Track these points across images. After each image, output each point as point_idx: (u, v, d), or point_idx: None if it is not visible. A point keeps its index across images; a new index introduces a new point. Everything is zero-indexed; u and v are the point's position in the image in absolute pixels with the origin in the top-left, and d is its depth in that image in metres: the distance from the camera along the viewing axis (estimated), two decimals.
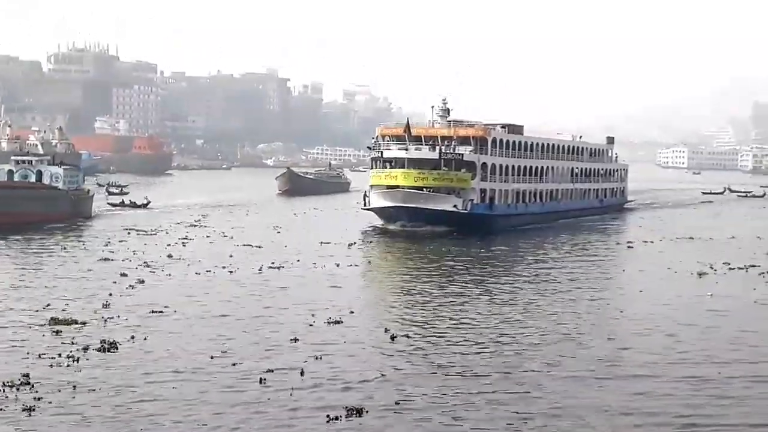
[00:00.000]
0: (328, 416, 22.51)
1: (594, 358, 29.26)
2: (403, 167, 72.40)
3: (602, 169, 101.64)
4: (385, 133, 78.72)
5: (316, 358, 27.91)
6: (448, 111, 78.51)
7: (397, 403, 23.82)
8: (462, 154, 72.65)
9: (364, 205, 74.24)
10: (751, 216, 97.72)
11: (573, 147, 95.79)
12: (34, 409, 22.47)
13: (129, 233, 62.78)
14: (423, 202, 69.23)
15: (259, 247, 56.51)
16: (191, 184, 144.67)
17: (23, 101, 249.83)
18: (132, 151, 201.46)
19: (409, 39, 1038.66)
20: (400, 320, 34.60)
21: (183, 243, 57.84)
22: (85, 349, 28.31)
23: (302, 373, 26.17)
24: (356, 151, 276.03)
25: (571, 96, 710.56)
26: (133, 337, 30.11)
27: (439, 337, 31.87)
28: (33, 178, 72.80)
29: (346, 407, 23.01)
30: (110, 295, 37.71)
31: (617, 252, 62.10)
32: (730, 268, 50.62)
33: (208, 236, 62.69)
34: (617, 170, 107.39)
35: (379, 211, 72.15)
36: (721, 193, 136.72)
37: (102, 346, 28.63)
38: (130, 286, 40.44)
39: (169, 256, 50.93)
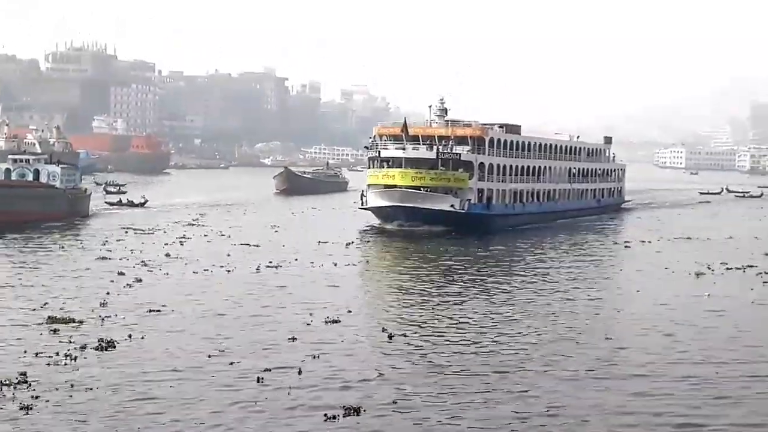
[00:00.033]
0: (325, 415, 22.51)
1: (591, 358, 29.26)
2: (401, 167, 72.37)
3: (600, 169, 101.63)
4: (383, 133, 78.68)
5: (314, 357, 27.91)
6: (445, 111, 78.50)
7: (394, 402, 23.82)
8: (459, 154, 72.63)
9: (362, 204, 74.20)
10: (748, 216, 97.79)
11: (570, 147, 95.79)
12: (31, 408, 22.45)
13: (126, 232, 62.73)
14: (420, 202, 69.20)
15: (257, 246, 56.48)
16: (189, 184, 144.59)
17: (21, 100, 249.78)
18: (130, 150, 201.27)
19: (409, 39, 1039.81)
20: (397, 319, 34.60)
21: (181, 242, 57.79)
22: (83, 347, 28.29)
23: (300, 372, 26.16)
24: (354, 150, 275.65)
25: (571, 96, 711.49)
26: (130, 336, 30.08)
27: (437, 336, 31.87)
28: (30, 177, 72.75)
29: (344, 406, 23.01)
30: (108, 293, 37.68)
31: (615, 252, 62.11)
32: (728, 269, 50.64)
33: (205, 235, 62.65)
34: (615, 170, 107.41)
35: (377, 211, 72.11)
36: (719, 194, 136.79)
37: (99, 344, 28.61)
38: (127, 284, 40.41)
39: (167, 255, 50.89)
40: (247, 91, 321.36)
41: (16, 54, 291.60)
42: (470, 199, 71.46)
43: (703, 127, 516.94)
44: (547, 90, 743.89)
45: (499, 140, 78.70)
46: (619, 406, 24.18)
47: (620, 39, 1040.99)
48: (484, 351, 29.76)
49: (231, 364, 27.02)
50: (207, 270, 45.71)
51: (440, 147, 72.37)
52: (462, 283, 44.54)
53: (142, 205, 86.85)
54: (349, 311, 35.65)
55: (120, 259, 48.63)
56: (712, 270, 49.92)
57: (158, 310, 34.56)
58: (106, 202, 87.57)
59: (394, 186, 70.86)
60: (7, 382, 24.22)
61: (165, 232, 63.96)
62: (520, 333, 32.71)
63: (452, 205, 69.90)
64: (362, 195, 74.73)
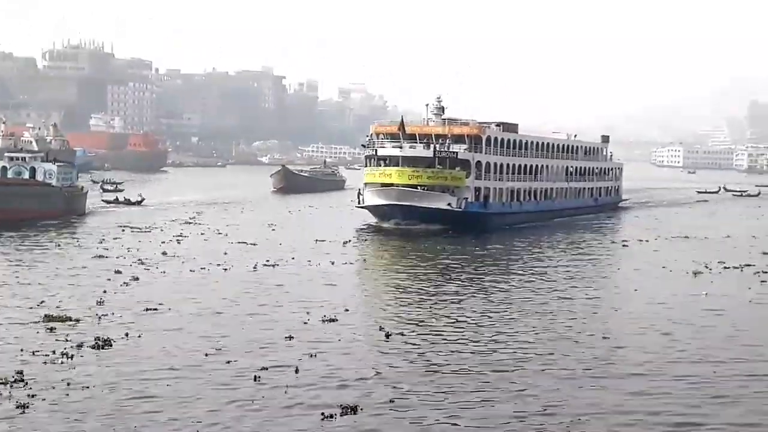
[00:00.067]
0: (322, 414, 22.45)
1: (589, 357, 29.22)
2: (398, 165, 72.31)
3: (597, 168, 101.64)
4: (380, 131, 78.60)
5: (311, 356, 27.86)
6: (442, 109, 78.44)
7: (391, 401, 23.77)
8: (456, 153, 72.57)
9: (359, 203, 74.17)
10: (746, 215, 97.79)
11: (568, 146, 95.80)
12: (27, 407, 22.38)
13: (123, 230, 62.67)
14: (417, 201, 69.15)
15: (254, 244, 56.43)
16: (186, 182, 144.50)
17: (18, 98, 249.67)
18: (127, 148, 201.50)
19: (408, 39, 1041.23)
20: (395, 318, 34.55)
21: (178, 240, 57.73)
22: (79, 346, 28.22)
23: (297, 371, 26.10)
24: (352, 149, 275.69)
25: (571, 96, 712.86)
26: (127, 335, 30.02)
27: (435, 335, 31.82)
28: (26, 175, 72.67)
29: (341, 405, 22.96)
30: (104, 292, 37.60)
31: (612, 251, 62.05)
32: (725, 267, 50.61)
33: (202, 233, 62.59)
34: (612, 169, 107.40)
35: (374, 209, 72.07)
36: (716, 192, 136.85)
37: (96, 343, 28.55)
38: (124, 283, 40.34)
39: (164, 253, 50.83)
40: (244, 89, 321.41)
41: (13, 52, 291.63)
42: (467, 198, 71.42)
43: (702, 126, 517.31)
44: (547, 90, 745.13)
45: (496, 139, 78.67)
46: (617, 405, 24.14)
47: (620, 39, 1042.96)
48: (481, 350, 29.71)
49: (228, 362, 26.96)
50: (204, 268, 45.66)
51: (437, 145, 72.31)
52: (459, 282, 44.49)
53: (138, 203, 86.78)
54: (347, 310, 35.60)
55: (117, 258, 48.55)
56: (710, 269, 49.89)
57: (155, 309, 34.50)
58: (102, 200, 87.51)
59: (391, 184, 70.82)
60: (4, 380, 24.16)
61: (162, 230, 63.89)
62: (517, 332, 32.67)
63: (449, 204, 69.86)
64: (359, 193, 74.69)
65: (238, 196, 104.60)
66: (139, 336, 30.02)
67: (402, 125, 74.82)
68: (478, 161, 74.16)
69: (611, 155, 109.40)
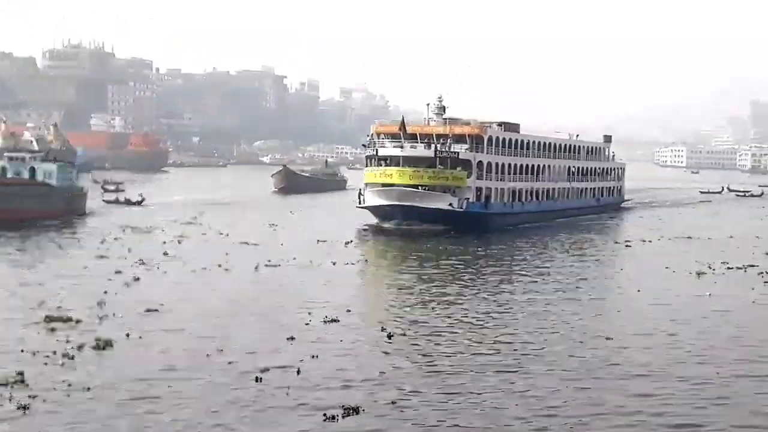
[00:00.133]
0: (324, 415, 22.35)
1: (592, 358, 29.12)
2: (398, 165, 72.11)
3: (599, 168, 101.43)
4: (381, 131, 78.43)
5: (313, 357, 27.74)
6: (443, 109, 78.30)
7: (393, 403, 23.67)
8: (457, 152, 72.39)
9: (359, 203, 74.01)
10: (749, 215, 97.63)
11: (570, 145, 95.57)
12: (28, 408, 22.30)
13: (124, 231, 62.57)
14: (418, 201, 68.97)
15: (256, 245, 56.33)
16: (187, 182, 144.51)
17: (18, 98, 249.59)
18: (127, 148, 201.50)
19: (409, 39, 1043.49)
20: (397, 319, 34.44)
21: (179, 241, 57.65)
22: (80, 347, 28.12)
23: (299, 372, 26.00)
24: (353, 148, 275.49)
25: (571, 96, 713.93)
26: (128, 335, 29.92)
27: (437, 335, 31.71)
28: (26, 175, 72.53)
29: (343, 406, 22.86)
30: (105, 292, 37.48)
31: (615, 251, 61.91)
32: (729, 268, 50.47)
33: (204, 234, 62.49)
34: (614, 169, 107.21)
35: (374, 210, 71.88)
36: (719, 193, 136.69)
37: (97, 344, 28.47)
38: (125, 283, 40.26)
39: (165, 253, 50.73)
40: (245, 89, 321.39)
41: (13, 52, 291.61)
42: (468, 198, 71.25)
43: (704, 126, 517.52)
44: (547, 90, 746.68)
45: (497, 138, 78.50)
46: (620, 406, 24.03)
47: (620, 39, 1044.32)
48: (484, 350, 29.59)
49: (229, 363, 26.86)
50: (205, 269, 45.56)
51: (438, 145, 72.11)
52: (461, 283, 44.37)
53: (139, 203, 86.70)
54: (348, 311, 35.47)
55: (117, 258, 48.45)
56: (713, 269, 49.75)
57: (156, 310, 34.39)
58: (103, 200, 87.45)
59: (392, 184, 70.62)
60: (5, 381, 24.08)
61: (163, 230, 63.78)
62: (520, 332, 32.55)
63: (450, 204, 69.69)
64: (360, 194, 74.55)
65: (239, 197, 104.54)
66: (140, 337, 29.92)
67: (403, 125, 74.65)
68: (480, 161, 74.00)
69: (613, 155, 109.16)
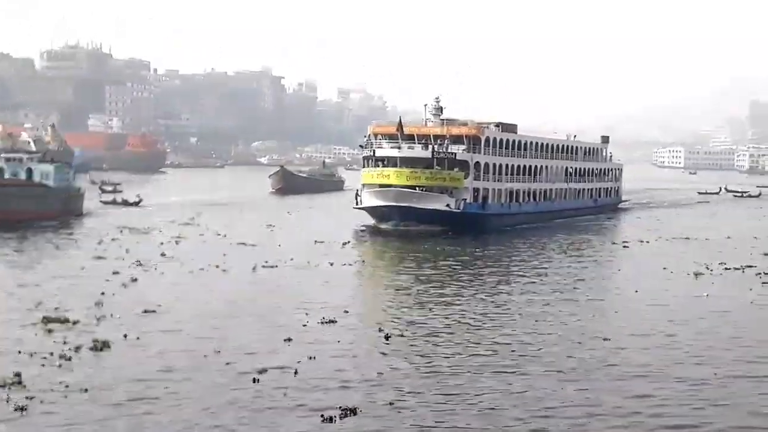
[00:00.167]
0: (322, 416, 22.33)
1: (590, 358, 29.11)
2: (396, 166, 72.07)
3: (597, 169, 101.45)
4: (378, 132, 78.39)
5: (311, 358, 27.72)
6: (441, 109, 78.22)
7: (391, 404, 23.65)
8: (455, 153, 72.36)
9: (356, 204, 73.99)
10: (747, 216, 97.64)
11: (567, 146, 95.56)
12: (26, 409, 22.27)
13: (122, 231, 62.55)
14: (415, 202, 68.94)
15: (253, 245, 56.32)
16: (184, 182, 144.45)
17: (16, 98, 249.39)
18: (125, 149, 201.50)
19: (409, 39, 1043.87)
20: (394, 320, 34.42)
21: (176, 241, 57.64)
22: (78, 348, 28.10)
23: (296, 373, 25.98)
24: (351, 149, 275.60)
25: (571, 96, 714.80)
26: (125, 336, 29.89)
27: (434, 336, 31.70)
28: (23, 176, 72.48)
29: (341, 407, 22.84)
30: (103, 293, 37.46)
31: (613, 252, 61.94)
32: (726, 269, 50.45)
33: (201, 235, 62.49)
34: (612, 170, 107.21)
35: (371, 210, 71.85)
36: (717, 193, 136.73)
37: (94, 345, 28.44)
38: (122, 284, 40.24)
39: (162, 254, 50.72)
40: (243, 89, 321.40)
41: (12, 53, 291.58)
42: (466, 199, 71.23)
43: (704, 126, 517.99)
44: (547, 90, 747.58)
45: (495, 139, 78.50)
46: (618, 407, 24.02)
47: (620, 39, 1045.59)
48: (481, 351, 29.58)
49: (227, 364, 26.84)
50: (203, 270, 45.55)
51: (435, 146, 72.06)
52: (459, 284, 44.36)
53: (136, 204, 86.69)
54: (346, 311, 35.46)
55: (115, 259, 48.44)
56: (711, 270, 49.75)
57: (154, 310, 34.37)
58: (100, 201, 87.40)
59: (389, 185, 70.59)
60: (2, 383, 24.04)
61: (160, 231, 63.77)
62: (517, 333, 32.53)
63: (447, 205, 69.68)
64: (357, 194, 74.53)
65: (236, 197, 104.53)
66: (138, 338, 29.89)
67: (400, 126, 74.63)
68: (477, 162, 73.99)
69: (611, 156, 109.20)
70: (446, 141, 73.05)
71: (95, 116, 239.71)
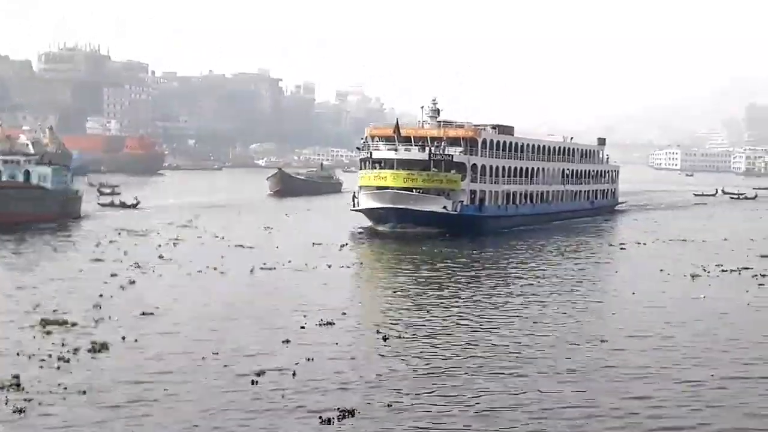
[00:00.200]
0: (320, 418, 22.39)
1: (587, 360, 29.18)
2: (393, 168, 72.10)
3: (593, 171, 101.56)
4: (375, 134, 78.42)
5: (309, 360, 27.78)
6: (438, 111, 78.24)
7: (389, 405, 23.70)
8: (452, 155, 72.39)
9: (353, 206, 74.03)
10: (743, 218, 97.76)
11: (564, 148, 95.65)
12: (24, 411, 22.31)
13: (119, 234, 62.55)
14: (412, 204, 68.95)
15: (251, 248, 56.36)
16: (182, 185, 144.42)
17: (14, 100, 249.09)
18: (123, 151, 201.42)
19: (409, 39, 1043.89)
20: (392, 322, 34.47)
21: (174, 243, 57.66)
22: (76, 350, 28.15)
23: (294, 375, 26.03)
24: (348, 151, 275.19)
25: (571, 96, 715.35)
26: (124, 338, 29.94)
27: (432, 338, 31.77)
28: (20, 178, 72.50)
29: (339, 409, 22.90)
30: (101, 296, 37.50)
31: (610, 254, 62.01)
32: (723, 271, 50.55)
33: (199, 237, 62.51)
34: (608, 172, 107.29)
35: (368, 213, 71.87)
36: (714, 195, 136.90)
37: (93, 347, 28.50)
38: (120, 286, 40.27)
39: (160, 256, 50.73)
40: (241, 92, 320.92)
41: (11, 54, 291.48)
42: (462, 201, 71.26)
43: (701, 128, 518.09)
44: (547, 90, 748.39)
45: (491, 141, 78.56)
46: (616, 408, 24.09)
47: (620, 39, 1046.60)
48: (479, 353, 29.65)
49: (225, 366, 26.89)
50: (200, 272, 45.59)
51: (432, 148, 72.12)
52: (457, 285, 44.43)
53: (134, 206, 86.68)
54: (344, 314, 35.52)
55: (113, 261, 48.47)
56: (708, 272, 49.85)
57: (152, 313, 34.41)
58: (98, 203, 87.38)
59: (386, 187, 70.59)
60: (0, 385, 24.08)
61: (158, 233, 63.77)
62: (514, 335, 32.61)
63: (444, 207, 69.71)
64: (354, 196, 74.58)
65: (234, 200, 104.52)
66: (136, 340, 29.93)
67: (397, 128, 74.66)
68: (474, 164, 74.05)
69: (607, 158, 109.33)
70: (443, 143, 73.06)
71: (93, 118, 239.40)
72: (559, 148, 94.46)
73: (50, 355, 27.36)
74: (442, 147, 72.50)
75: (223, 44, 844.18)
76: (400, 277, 47.26)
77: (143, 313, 34.16)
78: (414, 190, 70.04)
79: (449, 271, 49.52)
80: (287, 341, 30.21)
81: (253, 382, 25.20)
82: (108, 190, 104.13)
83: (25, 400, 23.06)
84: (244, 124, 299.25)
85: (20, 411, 22.27)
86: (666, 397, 25.21)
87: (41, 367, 26.27)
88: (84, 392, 23.93)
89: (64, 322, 31.96)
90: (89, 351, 28.14)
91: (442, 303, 38.94)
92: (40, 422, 21.83)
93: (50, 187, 72.58)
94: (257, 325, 33.12)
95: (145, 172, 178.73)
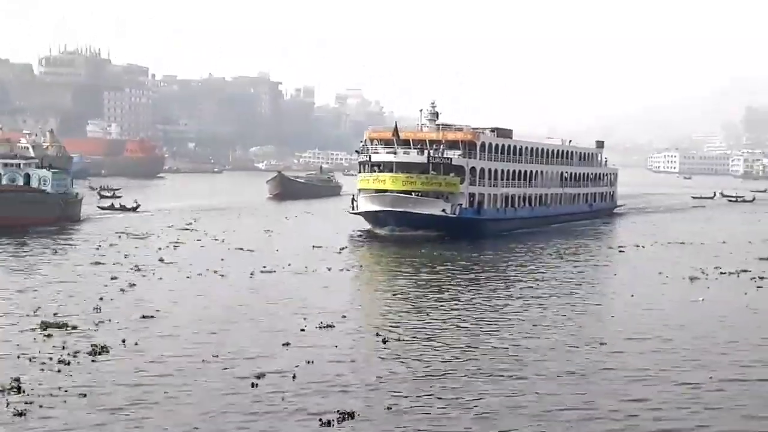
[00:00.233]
0: (320, 420, 22.46)
1: (586, 362, 29.25)
2: (392, 171, 72.11)
3: (592, 174, 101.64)
4: (374, 137, 78.44)
5: (308, 363, 27.84)
6: (436, 114, 78.27)
7: (389, 408, 23.77)
8: (450, 158, 72.44)
9: (352, 209, 74.09)
10: (741, 221, 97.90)
11: (562, 151, 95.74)
12: (24, 414, 22.35)
13: (120, 237, 62.63)
14: (411, 207, 69.00)
15: (251, 251, 56.43)
16: (183, 188, 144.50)
17: (14, 104, 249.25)
18: (124, 155, 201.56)
19: (409, 39, 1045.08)
20: (392, 324, 34.54)
21: (174, 247, 57.72)
22: (76, 353, 28.20)
23: (294, 378, 26.10)
24: (348, 155, 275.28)
25: (571, 96, 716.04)
26: (124, 341, 30.00)
27: (432, 340, 31.83)
28: (21, 182, 72.63)
29: (339, 411, 22.95)
30: (101, 299, 37.58)
31: (609, 256, 62.06)
32: (722, 273, 50.65)
33: (199, 240, 62.56)
34: (607, 174, 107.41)
35: (368, 216, 71.93)
36: (712, 198, 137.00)
37: (93, 350, 28.56)
38: (121, 290, 40.33)
39: (161, 259, 50.80)
40: (240, 95, 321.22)
41: (11, 57, 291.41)
42: (461, 204, 71.29)
43: (700, 130, 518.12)
44: (547, 90, 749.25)
45: (490, 144, 78.59)
46: (615, 410, 24.15)
47: (620, 39, 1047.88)
48: (478, 355, 29.72)
49: (225, 369, 26.97)
50: (201, 275, 45.66)
51: (431, 151, 72.20)
52: (456, 288, 44.49)
53: (134, 209, 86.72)
54: (344, 316, 35.59)
55: (113, 264, 48.53)
56: (706, 274, 49.94)
57: (152, 316, 34.47)
58: (98, 207, 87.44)
59: (385, 190, 70.65)
60: (1, 388, 24.12)
61: (158, 236, 63.86)
62: (513, 338, 32.68)
63: (443, 210, 69.74)
64: (353, 199, 74.64)
65: (234, 203, 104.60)
66: (136, 343, 29.99)
67: (396, 131, 74.73)
68: (473, 167, 74.11)
69: (606, 161, 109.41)
70: (442, 146, 73.14)
71: (94, 122, 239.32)
72: (558, 151, 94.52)
73: (51, 358, 27.43)
74: (440, 150, 72.58)
75: (224, 44, 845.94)
76: (399, 279, 47.34)
77: (143, 316, 34.22)
78: (413, 193, 70.08)
79: (448, 274, 49.59)
80: (287, 344, 30.28)
81: (253, 385, 25.27)
82: (108, 194, 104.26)
83: (25, 403, 23.12)
84: (244, 127, 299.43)
85: (21, 414, 22.33)
86: (665, 399, 25.28)
87: (42, 370, 26.33)
88: (84, 395, 24.01)
89: (65, 325, 32.02)
90: (89, 354, 28.19)
91: (441, 305, 39.02)
92: (41, 425, 21.87)
93: (50, 190, 72.69)
94: (257, 328, 33.20)
95: (146, 176, 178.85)
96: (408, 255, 57.82)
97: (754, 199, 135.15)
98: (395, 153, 73.17)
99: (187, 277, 44.90)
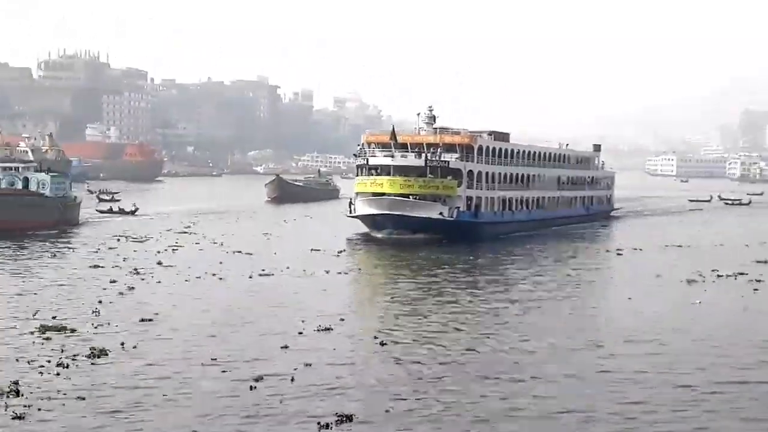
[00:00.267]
0: (318, 423, 22.50)
1: (583, 365, 29.29)
2: (389, 174, 72.14)
3: (589, 177, 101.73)
4: (371, 140, 78.47)
5: (307, 365, 27.89)
6: (434, 118, 78.39)
7: (387, 411, 23.83)
8: (448, 162, 72.45)
9: (350, 212, 74.15)
10: (738, 224, 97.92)
11: (559, 155, 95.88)
12: (23, 417, 22.39)
13: (119, 240, 62.67)
14: (409, 210, 69.04)
15: (249, 254, 56.47)
16: (181, 191, 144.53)
17: (14, 108, 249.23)
18: (122, 158, 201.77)
19: (409, 39, 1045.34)
20: (389, 327, 34.59)
21: (173, 250, 57.77)
22: (75, 356, 28.25)
23: (293, 380, 26.15)
24: (346, 158, 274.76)
25: (570, 96, 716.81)
26: (122, 344, 30.05)
27: (429, 343, 31.86)
28: (19, 185, 72.64)
29: (337, 414, 23.01)
30: (100, 302, 37.62)
31: (606, 259, 62.11)
32: (719, 276, 50.68)
33: (197, 243, 62.61)
34: (604, 178, 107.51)
35: (365, 219, 71.95)
36: (708, 201, 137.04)
37: (92, 353, 28.61)
38: (119, 293, 40.38)
39: (159, 263, 50.84)
40: (239, 99, 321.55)
41: (10, 61, 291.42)
42: (459, 207, 71.31)
43: (697, 132, 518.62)
44: (547, 90, 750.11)
45: (487, 148, 78.65)
46: (612, 413, 24.18)
47: (619, 39, 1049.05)
48: (476, 358, 29.78)
49: (223, 372, 27.02)
50: (199, 278, 45.71)
51: (429, 154, 72.20)
52: (453, 291, 44.53)
53: (133, 213, 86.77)
54: (342, 319, 35.64)
55: (112, 267, 48.57)
56: (703, 277, 49.96)
57: (150, 319, 34.51)
58: (97, 210, 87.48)
59: (383, 194, 70.67)
60: (0, 391, 24.17)
61: (157, 240, 63.91)
62: (510, 340, 32.71)
63: (441, 213, 69.75)
64: (351, 203, 74.71)
65: (233, 206, 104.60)
66: (135, 346, 30.04)
67: (393, 134, 74.77)
68: (470, 170, 74.13)
69: (603, 164, 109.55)
70: (439, 149, 73.16)
71: (93, 126, 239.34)
72: (555, 154, 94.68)
73: (49, 361, 27.48)
74: (438, 153, 72.58)
75: (223, 46, 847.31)
76: (397, 282, 47.39)
77: (142, 319, 34.27)
78: (410, 197, 70.12)
79: (446, 277, 49.62)
80: (285, 347, 30.34)
81: (251, 388, 25.32)
82: (107, 197, 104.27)
83: (24, 406, 23.17)
84: (243, 130, 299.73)
85: (20, 417, 22.37)
86: (662, 401, 25.32)
87: (40, 373, 26.37)
88: (83, 398, 24.05)
89: (63, 329, 32.07)
90: (88, 357, 28.24)
91: (439, 308, 39.04)
92: (40, 428, 21.93)
93: (49, 194, 72.69)
94: (255, 331, 33.24)
95: (145, 179, 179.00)
96: (406, 258, 57.89)
97: (750, 202, 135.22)
98: (393, 156, 73.18)
99: (186, 281, 44.96)
